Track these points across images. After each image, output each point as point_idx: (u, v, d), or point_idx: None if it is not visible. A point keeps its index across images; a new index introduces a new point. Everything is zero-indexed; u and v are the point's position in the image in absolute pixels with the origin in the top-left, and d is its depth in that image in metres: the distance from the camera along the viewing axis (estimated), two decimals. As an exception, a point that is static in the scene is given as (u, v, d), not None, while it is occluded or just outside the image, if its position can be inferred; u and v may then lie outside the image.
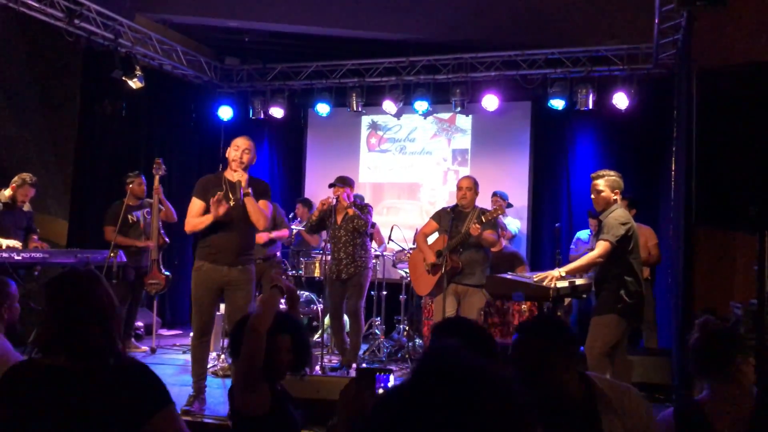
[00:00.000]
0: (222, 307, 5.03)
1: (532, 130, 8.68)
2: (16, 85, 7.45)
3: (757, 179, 2.69)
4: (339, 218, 6.26)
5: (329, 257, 6.27)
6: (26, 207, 6.47)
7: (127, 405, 1.93)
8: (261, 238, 6.53)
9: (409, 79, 8.52)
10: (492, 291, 5.06)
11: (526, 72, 8.05)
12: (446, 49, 8.32)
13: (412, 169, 9.17)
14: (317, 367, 5.97)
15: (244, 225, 4.64)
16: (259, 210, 4.59)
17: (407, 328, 7.31)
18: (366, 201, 7.43)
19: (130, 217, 6.81)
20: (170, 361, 6.55)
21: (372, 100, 8.75)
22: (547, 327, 2.27)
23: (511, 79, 8.14)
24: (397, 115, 9.03)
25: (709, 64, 5.31)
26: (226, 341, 5.88)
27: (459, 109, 8.41)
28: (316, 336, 7.01)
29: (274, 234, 6.43)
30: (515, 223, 7.91)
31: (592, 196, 4.83)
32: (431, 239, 5.90)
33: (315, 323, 7.38)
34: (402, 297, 7.34)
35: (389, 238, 7.30)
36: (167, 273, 6.90)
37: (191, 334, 7.35)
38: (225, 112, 9.18)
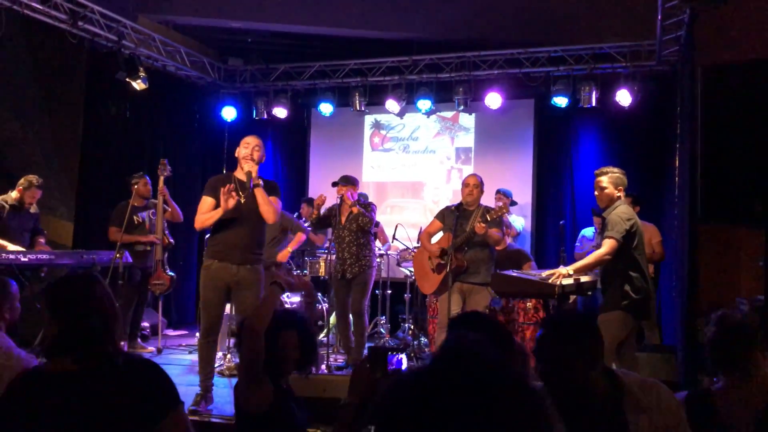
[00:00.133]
0: (228, 306, 5.04)
1: (536, 127, 8.69)
2: (20, 87, 7.47)
3: (763, 175, 2.70)
4: (343, 217, 6.27)
5: (334, 256, 6.28)
6: (33, 209, 6.49)
7: (139, 407, 1.94)
8: (283, 256, 6.57)
9: (412, 78, 8.53)
10: (498, 289, 5.07)
11: (529, 70, 8.05)
12: (449, 47, 8.32)
13: (416, 167, 9.18)
14: (323, 366, 5.98)
15: (253, 223, 4.65)
16: (269, 201, 4.60)
17: (412, 326, 7.33)
18: (369, 200, 7.43)
19: (135, 218, 6.83)
20: (176, 361, 6.57)
21: (375, 100, 8.76)
22: (571, 322, 2.24)
23: (514, 77, 8.15)
24: (400, 114, 9.05)
25: (712, 60, 5.31)
26: (232, 341, 5.90)
27: (462, 107, 8.42)
28: (322, 335, 7.03)
29: (293, 247, 6.44)
30: (519, 220, 7.92)
31: (596, 193, 4.83)
32: (435, 238, 5.90)
33: (320, 322, 7.39)
34: (407, 296, 7.35)
35: (393, 237, 7.31)
36: (172, 273, 6.92)
37: (197, 333, 7.49)
38: (228, 113, 9.20)
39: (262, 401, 2.64)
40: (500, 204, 6.28)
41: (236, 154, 4.78)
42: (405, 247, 7.34)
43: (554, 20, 7.77)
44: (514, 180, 8.32)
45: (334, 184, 6.32)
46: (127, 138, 8.29)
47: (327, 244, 6.57)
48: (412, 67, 8.52)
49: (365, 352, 6.43)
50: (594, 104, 7.76)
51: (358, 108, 8.76)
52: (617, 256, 4.49)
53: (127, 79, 7.44)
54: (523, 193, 8.37)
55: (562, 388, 2.11)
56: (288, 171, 9.78)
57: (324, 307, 7.33)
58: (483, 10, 7.82)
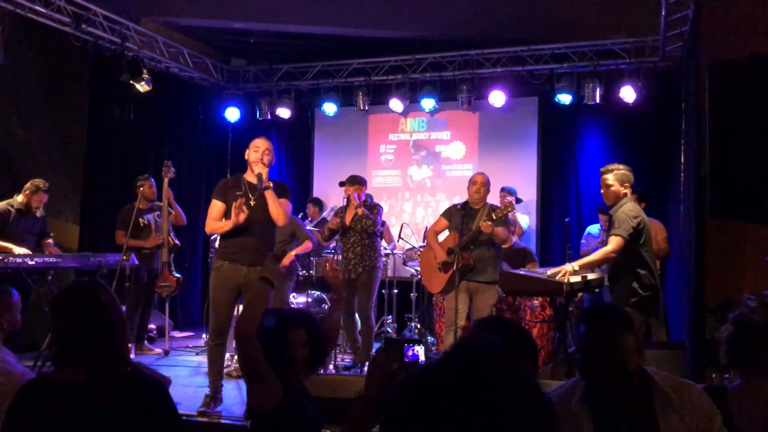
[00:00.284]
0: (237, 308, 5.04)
1: (540, 125, 8.68)
2: (24, 91, 7.48)
3: (772, 171, 2.69)
4: (348, 218, 6.27)
5: (340, 257, 6.28)
6: (39, 212, 6.50)
7: (136, 424, 1.94)
8: (286, 260, 6.54)
9: (416, 77, 8.52)
10: (505, 287, 5.07)
11: (533, 67, 8.05)
12: (452, 46, 8.32)
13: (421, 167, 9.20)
14: (330, 366, 5.98)
15: (264, 225, 4.66)
16: (279, 204, 4.61)
17: (418, 326, 7.33)
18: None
19: (141, 220, 6.84)
20: (184, 363, 6.58)
21: (379, 99, 8.76)
22: (616, 315, 2.23)
23: (517, 74, 8.14)
24: (404, 113, 9.05)
25: (717, 56, 5.29)
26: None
27: (466, 106, 8.41)
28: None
29: (296, 251, 6.43)
30: (524, 219, 7.91)
31: (602, 191, 4.82)
32: (441, 237, 5.90)
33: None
34: (413, 295, 7.34)
35: (399, 237, 7.31)
36: (178, 275, 6.93)
37: (204, 335, 7.50)
38: (232, 114, 9.21)
39: (271, 400, 2.63)
40: (508, 201, 6.25)
41: (246, 157, 4.78)
42: (411, 246, 7.34)
43: (557, 17, 7.75)
44: (518, 178, 8.31)
45: (341, 184, 6.32)
46: (131, 140, 8.31)
47: (333, 245, 6.56)
48: (415, 66, 8.51)
49: (372, 352, 6.44)
50: (598, 101, 7.75)
51: (361, 107, 8.76)
52: (625, 253, 4.49)
53: (131, 82, 7.45)
54: (528, 191, 8.36)
55: (597, 382, 2.10)
56: (292, 171, 9.78)
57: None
58: (486, 8, 7.81)
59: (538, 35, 7.92)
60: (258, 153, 4.68)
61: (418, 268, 6.91)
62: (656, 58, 7.54)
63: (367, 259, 6.14)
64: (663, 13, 6.32)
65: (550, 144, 8.68)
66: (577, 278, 4.82)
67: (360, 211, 6.18)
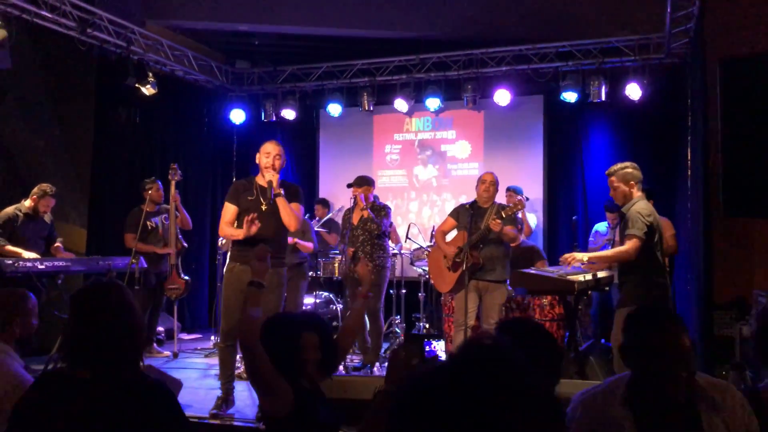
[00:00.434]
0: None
1: (545, 123, 8.67)
2: (31, 95, 7.50)
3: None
4: (356, 218, 6.28)
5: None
6: (47, 217, 6.53)
7: (142, 426, 1.95)
8: (302, 247, 6.56)
9: (420, 77, 8.52)
10: (516, 286, 5.07)
11: (538, 66, 8.04)
12: (456, 45, 8.31)
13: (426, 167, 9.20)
14: (340, 367, 5.99)
15: (275, 228, 4.66)
16: (290, 210, 4.62)
17: (427, 326, 7.33)
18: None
19: (149, 223, 6.85)
20: (193, 365, 6.59)
21: (383, 99, 8.76)
22: (678, 316, 2.18)
23: (522, 73, 8.13)
24: (409, 113, 9.05)
25: (723, 52, 5.28)
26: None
27: (471, 105, 8.41)
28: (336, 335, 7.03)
29: (298, 241, 6.45)
30: (532, 217, 7.91)
31: (611, 193, 4.82)
32: (449, 237, 5.90)
33: (335, 323, 7.40)
34: (421, 295, 7.35)
35: (406, 237, 7.32)
36: (186, 278, 6.95)
37: (212, 337, 7.52)
38: (237, 116, 9.22)
39: (282, 406, 2.63)
40: (518, 200, 6.25)
41: (257, 161, 4.79)
42: (418, 246, 7.35)
43: (561, 15, 7.75)
44: (524, 176, 8.31)
45: (349, 186, 6.32)
46: (137, 143, 8.32)
47: (341, 245, 6.57)
48: (419, 66, 8.51)
49: (381, 352, 6.45)
50: (603, 99, 7.73)
51: (366, 108, 8.76)
52: (637, 251, 4.47)
53: (137, 85, 7.47)
54: (534, 190, 8.36)
55: (658, 385, 2.06)
56: (298, 172, 9.79)
57: (339, 308, 7.34)
58: (489, 6, 7.81)
59: (542, 33, 7.91)
60: (269, 158, 4.69)
61: (426, 268, 6.91)
62: (661, 55, 7.53)
63: (377, 258, 6.14)
64: (668, 10, 6.32)
65: (556, 142, 8.68)
66: (587, 276, 4.82)
67: (366, 213, 6.18)
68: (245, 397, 5.08)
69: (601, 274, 4.85)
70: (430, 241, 7.10)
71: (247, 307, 2.74)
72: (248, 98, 9.47)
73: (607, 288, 5.39)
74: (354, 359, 6.64)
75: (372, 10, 8.06)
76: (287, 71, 9.15)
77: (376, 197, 6.61)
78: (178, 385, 3.52)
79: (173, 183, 6.67)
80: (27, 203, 6.38)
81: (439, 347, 2.06)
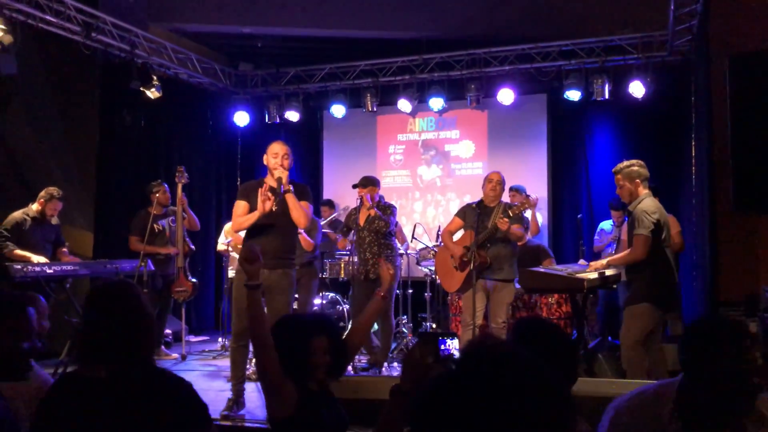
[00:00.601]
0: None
1: (549, 122, 8.68)
2: (36, 100, 7.51)
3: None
4: (362, 219, 6.29)
5: (355, 258, 6.30)
6: (54, 220, 6.55)
7: (167, 422, 1.96)
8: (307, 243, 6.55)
9: (423, 77, 8.54)
10: (525, 285, 5.08)
11: (541, 65, 8.05)
12: (459, 45, 8.32)
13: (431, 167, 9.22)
14: (348, 367, 6.00)
15: (285, 228, 4.68)
16: (300, 207, 4.63)
17: (434, 325, 7.34)
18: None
19: (155, 226, 6.87)
20: (202, 368, 6.61)
21: (387, 100, 8.77)
22: (746, 328, 2.05)
23: (525, 72, 8.15)
24: (413, 113, 9.07)
25: (729, 48, 5.29)
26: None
27: (474, 104, 8.42)
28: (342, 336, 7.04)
29: (301, 232, 6.44)
30: (538, 216, 7.91)
31: (617, 191, 4.84)
32: (456, 236, 5.92)
33: (341, 324, 7.42)
34: (427, 295, 7.35)
35: (412, 237, 7.33)
36: (194, 280, 6.97)
37: (220, 339, 7.53)
38: (241, 118, 9.22)
39: (285, 406, 2.64)
40: (532, 199, 6.25)
41: (264, 162, 4.80)
42: (424, 246, 7.35)
43: (564, 14, 7.76)
44: (528, 175, 8.31)
45: (355, 186, 6.34)
46: (143, 146, 8.35)
47: (348, 246, 6.58)
48: (422, 66, 8.52)
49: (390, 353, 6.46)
50: (607, 97, 7.75)
51: (370, 109, 8.78)
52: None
53: (141, 88, 7.48)
54: (539, 189, 8.35)
55: (723, 399, 1.96)
56: (302, 174, 9.79)
57: (345, 309, 7.35)
58: (491, 6, 7.83)
59: (545, 32, 7.93)
60: (277, 158, 4.71)
61: (432, 268, 6.93)
62: (664, 53, 7.54)
63: (386, 258, 6.15)
64: (672, 7, 6.33)
65: (560, 141, 8.69)
66: (594, 275, 4.84)
67: (373, 212, 6.20)
68: (255, 399, 5.09)
69: (608, 272, 4.86)
70: (436, 241, 7.11)
71: (250, 310, 2.74)
72: (252, 100, 9.49)
73: (614, 286, 5.39)
74: (361, 360, 6.65)
75: (374, 11, 8.08)
76: (290, 73, 9.16)
77: (381, 197, 6.62)
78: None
79: (180, 185, 6.69)
80: (34, 207, 6.40)
81: (453, 345, 2.05)
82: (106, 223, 7.78)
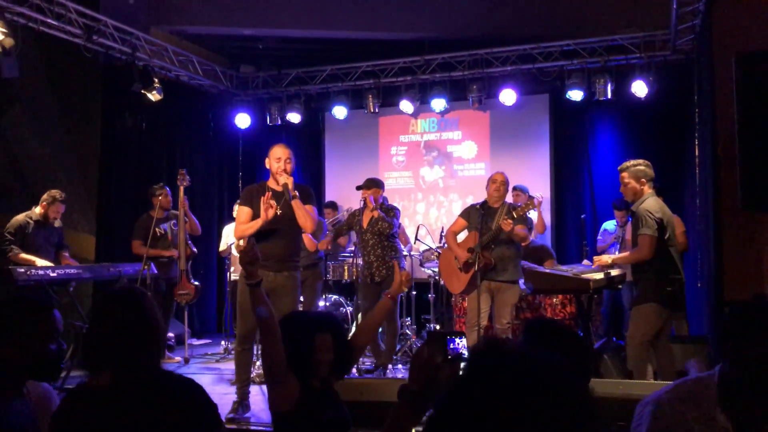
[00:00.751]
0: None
1: (552, 122, 8.67)
2: (37, 103, 7.51)
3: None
4: (365, 221, 6.27)
5: (360, 260, 6.29)
6: (57, 223, 6.54)
7: (178, 426, 1.95)
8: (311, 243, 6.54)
9: (425, 78, 8.52)
10: (531, 285, 5.06)
11: (543, 65, 8.03)
12: (461, 45, 8.31)
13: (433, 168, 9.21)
14: (353, 369, 5.98)
15: (290, 231, 4.68)
16: (306, 212, 4.62)
17: (437, 327, 7.32)
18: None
19: (157, 229, 6.86)
20: (205, 371, 6.59)
21: (388, 101, 8.76)
22: None
23: (527, 72, 8.13)
24: (415, 114, 9.05)
25: (733, 47, 5.27)
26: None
27: (477, 105, 8.41)
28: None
29: (305, 236, 6.44)
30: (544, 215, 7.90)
31: (621, 189, 4.83)
32: (460, 237, 5.90)
33: (345, 326, 7.40)
34: (431, 296, 7.33)
35: (416, 238, 7.31)
36: (197, 283, 6.96)
37: (222, 342, 7.51)
38: (242, 120, 9.21)
39: (286, 400, 2.65)
40: (538, 199, 6.24)
41: (267, 166, 4.79)
42: (428, 248, 7.34)
43: (566, 14, 7.75)
44: (531, 176, 8.30)
45: (359, 188, 6.33)
46: (144, 149, 8.34)
47: (352, 248, 6.57)
48: (424, 67, 8.51)
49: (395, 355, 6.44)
50: (609, 97, 7.74)
51: (371, 110, 8.76)
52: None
53: (143, 91, 7.48)
54: (542, 189, 8.30)
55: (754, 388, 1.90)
56: (304, 175, 9.78)
57: (349, 311, 7.34)
58: (493, 6, 7.82)
59: (546, 32, 7.91)
60: (280, 163, 4.69)
61: (436, 269, 6.91)
62: (667, 52, 7.52)
63: (390, 260, 6.13)
64: (674, 6, 6.31)
65: (563, 141, 8.67)
66: (600, 275, 4.82)
67: (376, 213, 6.18)
68: (259, 401, 5.08)
69: (614, 273, 4.85)
70: (439, 242, 7.10)
71: (255, 304, 2.75)
72: (253, 102, 9.48)
73: (619, 286, 5.37)
74: (366, 362, 6.64)
75: (376, 12, 8.07)
76: (292, 74, 9.15)
77: (385, 199, 6.60)
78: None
79: (182, 188, 6.68)
80: (37, 210, 6.39)
81: (462, 344, 2.03)
82: (108, 226, 7.78)
